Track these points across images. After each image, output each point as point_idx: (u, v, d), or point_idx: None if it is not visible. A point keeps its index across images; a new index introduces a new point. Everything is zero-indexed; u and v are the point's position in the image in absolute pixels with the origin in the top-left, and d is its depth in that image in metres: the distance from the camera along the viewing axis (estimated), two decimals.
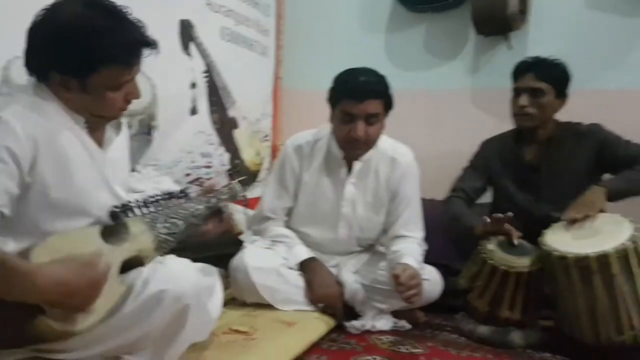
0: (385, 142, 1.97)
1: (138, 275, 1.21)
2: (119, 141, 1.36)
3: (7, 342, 1.09)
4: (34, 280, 0.97)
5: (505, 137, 2.18)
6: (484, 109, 2.77)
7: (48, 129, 1.16)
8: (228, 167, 2.53)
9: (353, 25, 3.03)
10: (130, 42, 1.18)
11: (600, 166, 2.00)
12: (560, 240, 1.73)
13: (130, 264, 1.20)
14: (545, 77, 1.99)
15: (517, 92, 2.05)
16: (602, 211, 1.80)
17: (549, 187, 2.04)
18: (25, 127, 1.12)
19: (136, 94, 1.26)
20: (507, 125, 2.19)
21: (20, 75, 1.43)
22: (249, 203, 1.57)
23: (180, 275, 1.22)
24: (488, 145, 2.23)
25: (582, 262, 1.61)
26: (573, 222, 1.78)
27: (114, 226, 1.19)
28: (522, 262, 1.77)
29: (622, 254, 1.59)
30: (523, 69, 2.05)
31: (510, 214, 1.86)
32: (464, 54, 2.82)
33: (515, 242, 1.85)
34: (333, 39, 3.06)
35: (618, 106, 2.47)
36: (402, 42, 2.92)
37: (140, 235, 1.21)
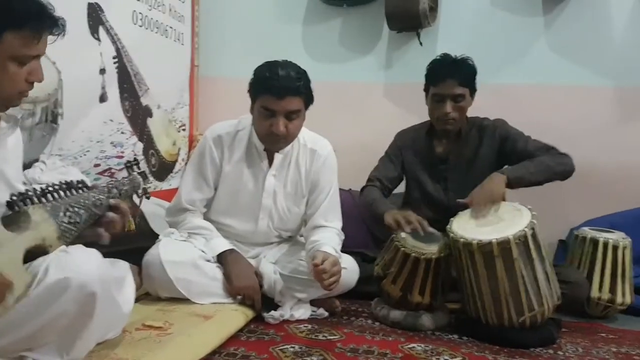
0: (305, 134, 1.99)
1: (41, 263, 1.16)
2: (14, 138, 1.31)
3: None
4: None
5: (418, 130, 2.28)
6: (397, 102, 2.87)
7: None
8: (140, 160, 2.43)
9: (269, 15, 3.02)
10: (39, 10, 1.16)
11: (502, 159, 2.14)
12: (466, 227, 1.83)
13: (33, 253, 1.14)
14: (465, 82, 2.07)
15: (439, 98, 2.09)
16: (503, 199, 1.92)
17: (456, 178, 2.17)
18: None
19: (39, 75, 1.23)
20: (418, 118, 2.29)
21: None
22: (150, 195, 1.54)
23: (86, 264, 1.18)
24: (402, 137, 2.31)
25: (485, 248, 1.72)
26: (478, 210, 1.89)
27: (13, 214, 1.12)
28: (432, 249, 1.86)
29: (522, 240, 1.71)
30: (443, 75, 2.07)
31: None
32: (377, 49, 2.90)
33: (426, 230, 1.94)
34: (249, 27, 3.03)
35: (517, 100, 2.66)
36: (318, 35, 2.95)
37: (42, 223, 1.15)
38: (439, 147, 2.22)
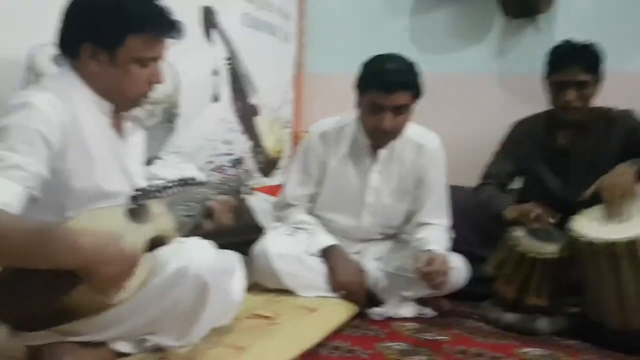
0: (412, 129, 1.94)
1: (161, 253, 1.23)
2: (137, 137, 1.41)
3: (41, 318, 1.11)
4: (74, 242, 0.99)
5: (537, 120, 2.12)
6: (511, 92, 2.71)
7: (74, 115, 1.19)
8: (248, 156, 2.53)
9: (375, 9, 2.98)
10: (159, 13, 1.24)
11: (629, 153, 1.93)
12: (589, 225, 1.70)
13: (155, 243, 1.23)
14: (590, 69, 1.91)
15: (561, 85, 1.94)
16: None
17: (578, 172, 1.99)
18: (55, 112, 1.14)
19: (159, 78, 1.30)
20: (534, 109, 2.14)
21: (45, 63, 1.47)
22: (253, 191, 1.61)
23: (200, 255, 1.24)
24: (519, 128, 2.16)
25: (610, 248, 1.58)
26: (609, 206, 1.73)
27: (137, 207, 1.23)
28: (550, 249, 1.75)
29: None
30: (566, 61, 1.93)
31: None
32: (490, 37, 2.75)
33: (547, 227, 1.81)
34: (356, 22, 3.02)
35: None
36: (426, 26, 2.87)
37: (161, 216, 1.25)
38: (560, 139, 2.03)
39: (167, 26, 1.26)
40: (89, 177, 1.22)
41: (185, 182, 1.34)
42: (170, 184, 1.31)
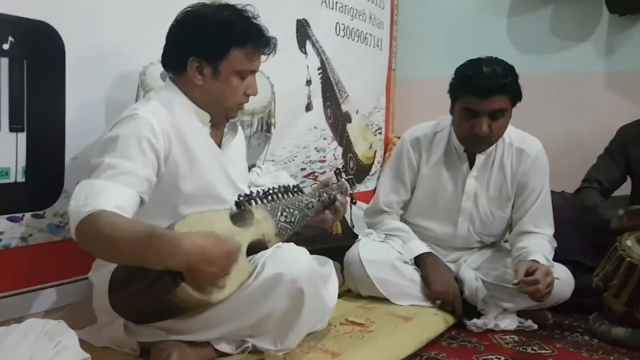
0: (511, 132, 1.87)
1: (260, 257, 1.28)
2: (236, 143, 1.49)
3: (151, 312, 1.19)
4: (180, 245, 1.05)
5: None
6: (619, 92, 2.53)
7: (178, 125, 1.30)
8: (339, 163, 2.57)
9: (470, 12, 2.92)
10: (259, 29, 1.33)
11: None
12: None
13: (255, 247, 1.28)
14: None
15: None
16: None
17: None
18: (160, 122, 1.25)
19: (254, 89, 1.39)
20: None
21: (154, 80, 1.58)
22: (356, 201, 1.63)
23: (296, 260, 1.27)
24: (627, 132, 2.03)
25: None
26: None
27: (241, 212, 1.30)
28: None
29: None
30: None
31: None
32: (595, 35, 2.60)
33: None
34: (448, 26, 2.97)
35: None
36: (525, 26, 2.76)
37: (263, 221, 1.30)
38: None
39: (265, 41, 1.35)
40: (196, 180, 1.32)
41: (286, 190, 1.40)
42: (272, 191, 1.36)
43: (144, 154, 1.21)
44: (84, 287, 1.45)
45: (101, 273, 1.27)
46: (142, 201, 1.20)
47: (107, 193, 1.13)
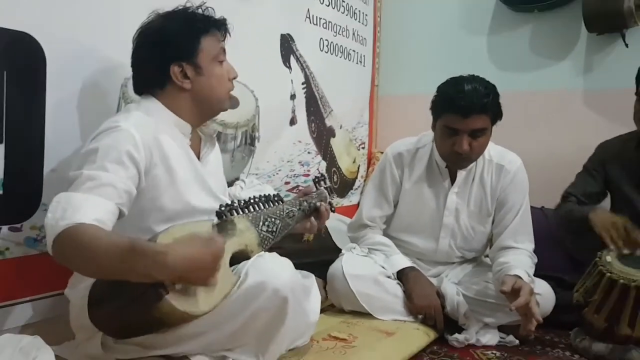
0: (492, 149, 1.89)
1: (243, 266, 1.26)
2: (213, 157, 1.49)
3: (130, 328, 1.17)
4: (164, 260, 1.01)
5: (626, 141, 2.00)
6: (597, 110, 2.58)
7: (158, 138, 1.29)
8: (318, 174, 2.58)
9: (451, 29, 2.96)
10: (211, 16, 1.39)
11: None
12: None
13: (238, 257, 1.27)
14: None
15: None
16: None
17: None
18: (142, 135, 1.24)
19: (234, 71, 1.42)
20: (623, 128, 2.02)
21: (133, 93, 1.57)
22: (335, 209, 1.63)
23: (279, 270, 1.25)
24: (605, 149, 2.06)
25: None
26: None
27: (223, 222, 1.29)
28: None
29: None
30: None
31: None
32: (574, 54, 2.65)
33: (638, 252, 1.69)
34: (431, 43, 3.02)
35: None
36: (505, 43, 2.81)
37: (245, 231, 1.30)
38: None
39: (221, 20, 1.40)
40: (175, 193, 1.30)
41: (267, 199, 1.40)
42: (254, 201, 1.36)
43: (124, 167, 1.19)
44: (61, 302, 1.42)
45: (77, 290, 1.24)
46: (121, 213, 1.18)
47: (86, 206, 1.09)
